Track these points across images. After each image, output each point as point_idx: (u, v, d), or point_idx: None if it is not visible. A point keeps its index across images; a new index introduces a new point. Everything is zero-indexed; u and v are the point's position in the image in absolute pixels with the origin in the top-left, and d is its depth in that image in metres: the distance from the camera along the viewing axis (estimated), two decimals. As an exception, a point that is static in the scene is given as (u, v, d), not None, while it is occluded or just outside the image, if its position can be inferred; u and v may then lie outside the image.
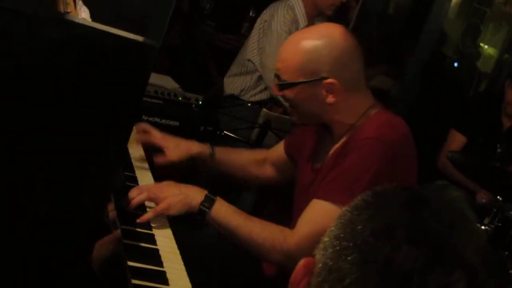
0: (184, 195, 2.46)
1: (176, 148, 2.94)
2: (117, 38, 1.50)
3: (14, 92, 1.51)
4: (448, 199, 1.04)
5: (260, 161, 3.11)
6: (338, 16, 4.66)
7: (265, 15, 4.56)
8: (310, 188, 2.62)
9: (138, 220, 2.39)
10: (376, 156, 2.38)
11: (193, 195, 2.46)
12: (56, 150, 1.59)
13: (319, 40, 2.47)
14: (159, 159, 2.92)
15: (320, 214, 2.39)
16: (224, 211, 2.45)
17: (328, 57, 2.45)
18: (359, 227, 0.99)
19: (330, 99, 2.47)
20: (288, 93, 2.53)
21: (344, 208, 1.05)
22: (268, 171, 3.11)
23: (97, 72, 1.52)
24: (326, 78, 2.44)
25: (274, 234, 2.44)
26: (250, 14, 6.93)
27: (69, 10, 2.00)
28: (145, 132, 3.01)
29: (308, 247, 2.33)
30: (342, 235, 1.01)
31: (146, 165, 2.93)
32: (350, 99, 2.51)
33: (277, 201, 4.25)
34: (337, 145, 2.57)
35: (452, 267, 0.92)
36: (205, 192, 2.47)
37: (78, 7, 2.24)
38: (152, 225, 2.41)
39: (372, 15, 6.81)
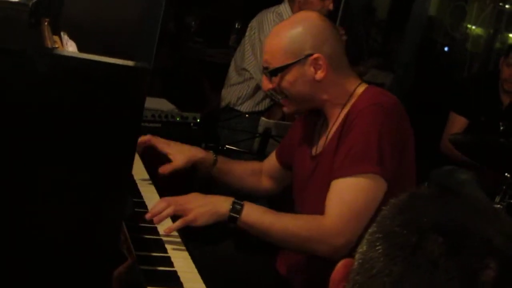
0: (212, 205, 2.45)
1: (181, 153, 2.94)
2: (108, 66, 1.50)
3: (11, 132, 1.50)
4: (473, 193, 1.06)
5: (258, 172, 3.12)
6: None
7: (255, 22, 4.58)
8: (312, 176, 2.66)
9: (164, 230, 2.42)
10: (379, 120, 2.44)
11: (221, 203, 2.45)
12: (60, 186, 1.59)
13: (297, 24, 2.61)
14: (164, 169, 2.91)
15: (345, 191, 2.41)
16: (254, 213, 2.44)
17: (308, 35, 2.57)
18: (387, 221, 1.00)
19: (319, 75, 2.56)
20: (279, 80, 2.60)
21: (383, 208, 1.06)
22: (265, 183, 3.12)
23: (92, 103, 1.52)
24: (311, 54, 2.55)
25: (308, 223, 2.44)
26: (236, 26, 6.95)
27: (56, 46, 2.00)
28: (146, 141, 3.00)
29: (345, 227, 2.36)
30: (375, 229, 1.01)
31: (146, 176, 2.93)
32: (337, 77, 2.60)
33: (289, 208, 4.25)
34: (334, 127, 2.61)
35: (480, 253, 0.93)
36: (232, 199, 2.45)
37: (64, 42, 2.24)
38: (167, 247, 2.40)
39: (357, 10, 6.82)
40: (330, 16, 4.63)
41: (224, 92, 4.73)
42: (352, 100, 2.59)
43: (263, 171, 3.12)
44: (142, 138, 2.98)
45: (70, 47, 2.18)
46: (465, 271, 0.91)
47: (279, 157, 3.02)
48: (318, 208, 2.44)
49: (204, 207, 2.44)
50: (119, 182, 1.62)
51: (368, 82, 2.73)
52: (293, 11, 4.53)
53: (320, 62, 2.55)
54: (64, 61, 1.49)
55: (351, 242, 2.34)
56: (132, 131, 1.55)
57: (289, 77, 2.58)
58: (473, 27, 7.28)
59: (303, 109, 2.75)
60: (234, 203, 2.43)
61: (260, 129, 4.01)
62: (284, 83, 2.60)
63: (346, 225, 2.36)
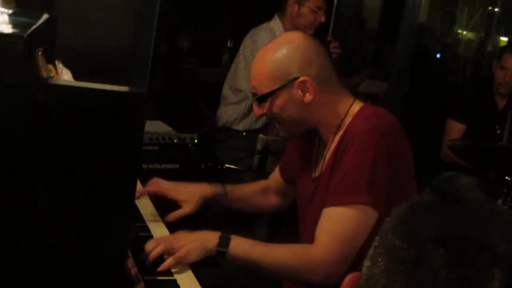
0: (200, 241, 2.46)
1: (190, 198, 2.92)
2: (106, 93, 1.50)
3: (13, 165, 1.50)
4: (475, 197, 1.04)
5: (265, 190, 3.13)
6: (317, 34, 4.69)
7: (247, 41, 4.60)
8: (314, 197, 2.64)
9: (159, 269, 2.39)
10: (371, 148, 2.41)
11: (208, 238, 2.46)
12: (63, 215, 1.59)
13: (281, 47, 2.57)
14: (173, 215, 2.89)
15: (335, 221, 2.42)
16: (242, 247, 2.44)
17: (293, 58, 2.54)
18: (390, 235, 1.00)
19: (307, 97, 2.53)
20: (268, 105, 2.58)
21: (385, 219, 1.06)
22: (272, 200, 3.13)
23: (92, 130, 1.52)
24: (297, 77, 2.52)
25: (297, 253, 2.45)
26: (228, 44, 6.96)
27: (51, 75, 2.00)
28: (154, 185, 3.00)
29: (333, 256, 2.36)
30: (377, 243, 1.01)
31: (158, 218, 2.92)
32: (327, 97, 2.57)
33: (291, 229, 4.24)
34: (331, 148, 2.59)
35: (484, 263, 0.92)
36: (219, 233, 2.46)
37: (59, 70, 2.24)
38: (173, 270, 2.41)
39: (347, 22, 6.84)
40: (322, 27, 4.66)
41: (219, 111, 4.73)
42: (347, 121, 2.56)
43: (269, 187, 3.12)
44: (149, 188, 2.99)
45: (65, 75, 2.18)
46: (468, 283, 0.91)
47: (282, 174, 3.03)
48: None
49: (193, 243, 2.45)
50: (123, 208, 1.61)
51: (364, 94, 2.73)
52: (285, 25, 4.55)
53: (307, 85, 2.52)
54: (61, 90, 1.50)
55: (341, 270, 2.36)
56: (134, 155, 1.55)
57: (278, 102, 2.56)
58: (464, 32, 7.29)
59: (298, 132, 2.71)
60: (221, 238, 2.44)
61: (259, 146, 4.01)
62: (274, 108, 2.58)
63: (334, 255, 2.38)
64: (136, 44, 4.46)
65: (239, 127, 4.57)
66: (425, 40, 7.13)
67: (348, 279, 1.08)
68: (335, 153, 2.52)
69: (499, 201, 4.02)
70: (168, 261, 2.41)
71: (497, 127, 4.93)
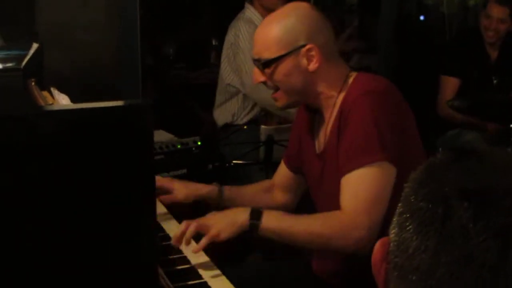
0: (231, 217, 2.46)
1: (184, 188, 2.91)
2: (112, 110, 1.50)
3: (33, 197, 1.51)
4: (487, 148, 1.06)
5: (270, 190, 3.09)
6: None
7: (229, 36, 4.60)
8: (322, 174, 2.65)
9: (193, 250, 2.43)
10: (373, 107, 2.44)
11: (239, 214, 2.46)
12: (87, 240, 1.60)
13: (289, 14, 2.59)
14: (163, 198, 2.88)
15: (356, 184, 2.41)
16: (274, 219, 2.45)
17: (301, 25, 2.55)
18: (412, 197, 1.01)
19: (312, 65, 2.54)
20: (271, 72, 2.58)
21: (404, 185, 1.07)
22: (278, 198, 3.07)
23: (104, 149, 1.52)
24: (305, 45, 2.53)
25: (329, 220, 2.44)
26: (213, 43, 6.97)
27: (50, 102, 2.01)
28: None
29: (363, 219, 2.36)
30: (401, 209, 1.02)
31: (163, 209, 2.93)
32: (329, 67, 2.58)
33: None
34: (331, 120, 2.59)
35: (508, 208, 0.93)
36: (249, 209, 2.47)
37: (56, 97, 2.25)
38: (201, 273, 2.41)
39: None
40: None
41: (216, 113, 4.74)
42: (344, 90, 2.57)
43: (275, 186, 3.08)
44: None
45: (63, 100, 2.18)
46: (496, 229, 0.92)
47: (288, 165, 2.99)
48: (335, 205, 2.45)
49: (224, 220, 2.46)
50: (147, 222, 1.62)
51: (356, 68, 2.73)
52: (259, 11, 4.55)
53: (313, 53, 2.53)
54: (67, 115, 1.50)
55: (373, 232, 2.35)
56: (148, 167, 1.56)
57: (283, 68, 2.56)
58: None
59: (296, 102, 2.73)
60: (252, 211, 2.45)
61: (262, 137, 4.02)
62: (277, 75, 2.58)
63: (364, 217, 2.37)
64: (123, 59, 4.47)
65: (239, 121, 4.58)
66: (406, 6, 7.13)
67: (378, 244, 1.09)
68: (338, 123, 2.53)
69: (509, 150, 4.03)
70: (202, 241, 2.41)
71: (493, 77, 4.95)
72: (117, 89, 4.34)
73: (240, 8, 4.75)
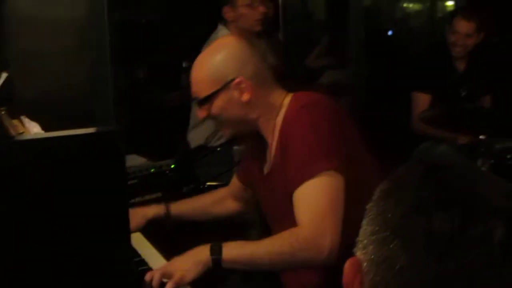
0: (192, 257, 2.49)
1: (132, 217, 2.93)
2: (83, 137, 1.50)
3: (6, 227, 1.51)
4: (460, 161, 1.08)
5: (220, 199, 3.22)
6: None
7: None
8: (270, 194, 2.74)
9: None
10: (310, 120, 2.52)
11: (200, 253, 2.48)
12: (64, 261, 1.59)
13: (216, 51, 2.70)
14: None
15: (307, 196, 2.46)
16: (234, 249, 2.48)
17: (228, 60, 2.65)
18: (389, 215, 1.02)
19: (245, 97, 2.63)
20: (209, 108, 2.68)
21: (368, 206, 1.08)
22: (230, 206, 3.22)
23: (76, 176, 1.52)
24: (233, 79, 2.62)
25: (287, 238, 2.46)
26: (184, 65, 6.98)
27: (21, 131, 2.01)
28: None
29: (321, 228, 2.38)
30: (377, 228, 1.03)
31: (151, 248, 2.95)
32: (264, 93, 2.68)
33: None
34: (274, 142, 2.68)
35: (485, 217, 0.95)
36: (209, 244, 2.49)
37: (27, 125, 2.24)
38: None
39: (295, 17, 6.87)
40: (272, 25, 4.67)
41: (189, 136, 4.75)
42: (282, 112, 2.66)
43: (228, 195, 3.21)
44: None
45: (34, 129, 2.18)
46: (478, 238, 0.94)
47: (240, 178, 3.12)
48: (287, 224, 2.48)
49: (186, 262, 2.48)
50: (122, 248, 1.62)
51: (327, 84, 2.77)
52: (232, 31, 4.57)
53: (243, 85, 2.63)
54: (38, 144, 1.50)
55: (335, 238, 2.38)
56: (122, 193, 1.56)
57: (218, 103, 2.66)
58: (410, 4, 7.35)
59: (240, 131, 2.80)
60: (212, 247, 2.47)
61: (236, 158, 4.02)
62: (214, 110, 2.68)
63: (322, 225, 2.39)
64: (95, 85, 4.47)
65: (213, 143, 4.59)
66: (374, 21, 7.19)
67: (348, 265, 1.09)
68: (279, 143, 2.61)
69: (479, 161, 4.07)
70: (167, 286, 2.42)
71: (461, 90, 5.00)
72: (90, 115, 4.34)
73: (211, 30, 4.76)
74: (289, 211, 2.49)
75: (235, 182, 3.17)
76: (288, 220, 2.48)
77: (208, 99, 2.66)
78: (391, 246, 0.99)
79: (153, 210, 3.11)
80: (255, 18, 4.54)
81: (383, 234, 1.01)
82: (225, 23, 4.65)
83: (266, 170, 2.78)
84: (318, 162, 2.44)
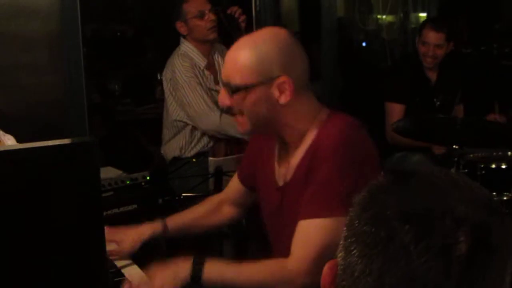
0: (172, 273, 2.43)
1: (126, 237, 2.87)
2: (58, 148, 1.51)
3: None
4: (428, 169, 1.09)
5: (214, 208, 3.05)
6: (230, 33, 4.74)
7: (167, 73, 4.64)
8: (281, 208, 2.59)
9: None
10: (343, 165, 2.36)
11: (180, 268, 2.42)
12: (39, 272, 1.59)
13: (265, 41, 2.43)
14: (111, 254, 2.80)
15: (311, 234, 2.37)
16: (216, 269, 2.43)
17: (277, 55, 2.40)
18: (356, 222, 1.04)
19: (284, 98, 2.41)
20: (240, 98, 2.45)
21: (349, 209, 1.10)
22: (226, 213, 3.06)
23: (51, 188, 1.53)
24: (279, 76, 2.39)
25: (271, 269, 2.42)
26: (158, 77, 6.99)
27: (-5, 144, 2.01)
28: None
29: (310, 267, 2.32)
30: (347, 233, 1.05)
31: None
32: (301, 100, 2.46)
33: (258, 242, 4.25)
34: (297, 156, 2.52)
35: (448, 229, 0.97)
36: (191, 260, 2.43)
37: (1, 138, 2.25)
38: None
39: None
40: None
41: (163, 149, 4.76)
42: (316, 127, 2.49)
43: (223, 201, 3.05)
44: None
45: (8, 141, 2.19)
46: (437, 250, 0.95)
47: (243, 181, 2.93)
48: (291, 236, 2.41)
49: (167, 277, 2.42)
50: (98, 258, 1.62)
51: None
52: (193, 44, 4.61)
53: (286, 86, 2.39)
54: (11, 156, 1.50)
55: (317, 280, 2.34)
56: (97, 204, 1.57)
57: (252, 97, 2.42)
58: (383, 16, 7.40)
59: (259, 130, 2.63)
60: (194, 263, 2.42)
61: (211, 169, 4.03)
62: (245, 103, 2.44)
63: (312, 266, 2.32)
64: (69, 97, 4.48)
65: (187, 154, 4.60)
66: (347, 33, 7.23)
67: (326, 267, 1.11)
68: (307, 162, 2.46)
69: (452, 170, 4.09)
70: None
71: (434, 100, 5.04)
72: (64, 128, 4.35)
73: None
74: (292, 227, 2.42)
75: (235, 185, 2.98)
76: (289, 235, 2.42)
77: (242, 89, 2.43)
78: (353, 252, 1.02)
79: (150, 230, 2.91)
80: (207, 27, 4.59)
81: (349, 241, 1.04)
82: (185, 36, 4.68)
83: (279, 180, 2.62)
84: (334, 206, 2.30)
